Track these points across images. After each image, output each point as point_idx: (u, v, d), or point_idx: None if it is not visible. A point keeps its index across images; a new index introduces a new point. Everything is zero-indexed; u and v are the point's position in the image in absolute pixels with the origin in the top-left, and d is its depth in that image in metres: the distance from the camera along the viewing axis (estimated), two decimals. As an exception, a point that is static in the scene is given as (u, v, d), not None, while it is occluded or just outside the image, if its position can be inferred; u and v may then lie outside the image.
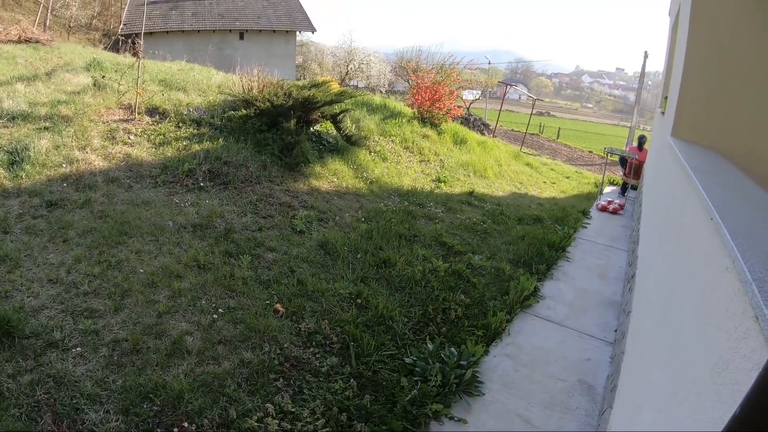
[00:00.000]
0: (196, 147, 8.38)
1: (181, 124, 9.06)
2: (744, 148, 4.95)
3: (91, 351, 4.02)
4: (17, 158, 6.98)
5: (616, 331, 5.69)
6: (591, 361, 5.08)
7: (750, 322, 1.34)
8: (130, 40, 24.67)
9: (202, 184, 7.56)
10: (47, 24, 34.23)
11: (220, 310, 4.83)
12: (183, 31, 32.92)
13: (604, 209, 11.82)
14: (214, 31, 33.83)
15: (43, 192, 6.51)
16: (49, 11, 35.07)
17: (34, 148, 7.16)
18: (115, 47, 25.64)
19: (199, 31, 33.46)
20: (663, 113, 7.72)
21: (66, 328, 4.22)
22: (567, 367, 4.93)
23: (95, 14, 44.41)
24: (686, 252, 2.66)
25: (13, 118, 7.94)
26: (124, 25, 31.63)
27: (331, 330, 4.86)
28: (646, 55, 32.57)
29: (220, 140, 8.64)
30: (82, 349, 4.03)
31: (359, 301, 5.40)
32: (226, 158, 8.14)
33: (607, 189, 15.61)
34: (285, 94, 9.50)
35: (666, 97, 7.68)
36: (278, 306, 5.06)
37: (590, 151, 39.30)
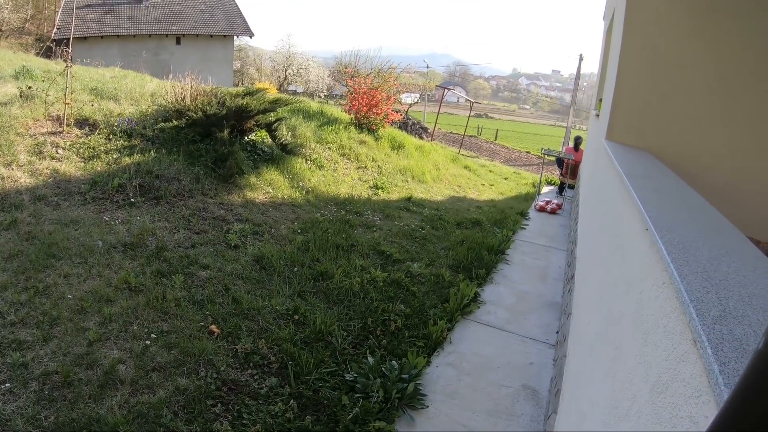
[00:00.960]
0: (127, 160, 8.02)
1: (111, 136, 8.63)
2: (675, 147, 5.09)
3: (21, 386, 3.75)
4: None
5: (557, 332, 5.71)
6: (534, 365, 5.08)
7: (688, 344, 1.29)
8: (62, 46, 23.90)
9: (132, 199, 7.23)
10: (-26, 29, 32.89)
11: (153, 335, 4.59)
12: (118, 36, 32.05)
13: (542, 209, 11.99)
14: (150, 35, 33.06)
15: None
16: (-23, 15, 33.71)
17: None
18: (48, 53, 24.77)
19: (134, 35, 32.61)
20: (598, 116, 7.84)
21: None
22: (510, 373, 4.90)
23: (28, 18, 42.78)
24: (623, 260, 2.64)
25: None
26: (57, 29, 30.53)
27: (269, 349, 4.69)
28: (581, 58, 33.50)
29: (152, 152, 8.30)
30: (11, 384, 3.75)
31: (296, 317, 5.24)
32: (158, 171, 7.83)
33: (545, 189, 15.88)
34: (218, 102, 9.23)
35: (600, 100, 7.82)
36: (213, 327, 4.85)
37: (528, 152, 40.02)
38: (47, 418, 3.52)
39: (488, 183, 17.13)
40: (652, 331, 1.68)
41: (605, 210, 4.24)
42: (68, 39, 28.21)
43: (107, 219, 6.62)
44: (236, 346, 4.66)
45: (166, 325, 4.79)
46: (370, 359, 4.69)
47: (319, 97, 43.71)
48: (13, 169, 7.13)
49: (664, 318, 1.55)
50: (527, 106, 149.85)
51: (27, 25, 43.19)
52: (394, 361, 4.68)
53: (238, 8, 38.38)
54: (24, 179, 7.03)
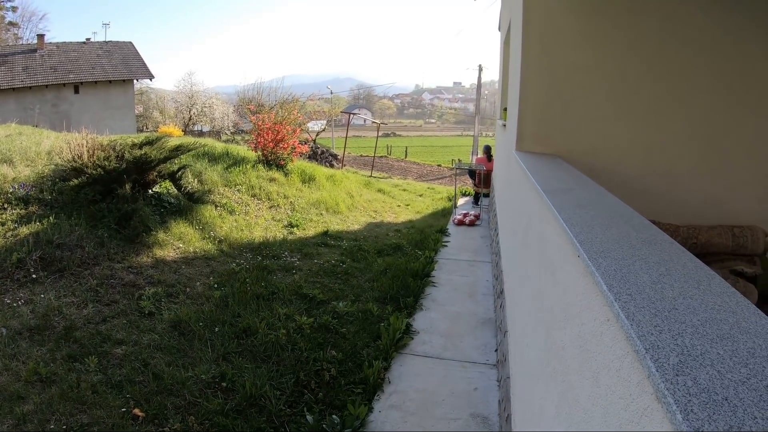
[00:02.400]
0: (25, 230, 7.45)
1: (6, 205, 8.02)
2: (583, 148, 5.20)
3: None
4: None
5: (496, 350, 5.61)
6: (479, 390, 4.94)
7: (650, 398, 1.15)
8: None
9: (35, 275, 6.65)
10: None
11: (73, 430, 4.18)
12: (14, 89, 30.69)
13: (461, 223, 12.03)
14: (47, 86, 32.00)
15: None
16: None
17: None
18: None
19: (31, 87, 31.37)
20: (504, 125, 7.90)
21: None
22: (456, 403, 4.73)
23: None
24: (556, 284, 2.52)
25: None
26: (-55, 84, 29.24)
27: (200, 426, 4.34)
28: (480, 68, 34.60)
29: (51, 219, 7.74)
30: None
31: (224, 383, 4.92)
32: (59, 240, 7.30)
33: (461, 201, 16.02)
34: (117, 156, 8.74)
35: (505, 109, 7.88)
36: (137, 411, 4.44)
37: (439, 165, 40.75)
38: None
39: (404, 203, 17.17)
40: (602, 372, 1.55)
41: (527, 225, 4.16)
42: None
43: (9, 301, 6.07)
44: (164, 429, 4.31)
45: (85, 416, 4.37)
46: (309, 418, 4.42)
47: (226, 134, 43.22)
48: None
49: (617, 361, 1.42)
50: (433, 120, 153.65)
51: None
52: (334, 416, 4.43)
53: (136, 51, 37.73)
54: None
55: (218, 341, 5.69)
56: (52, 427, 4.20)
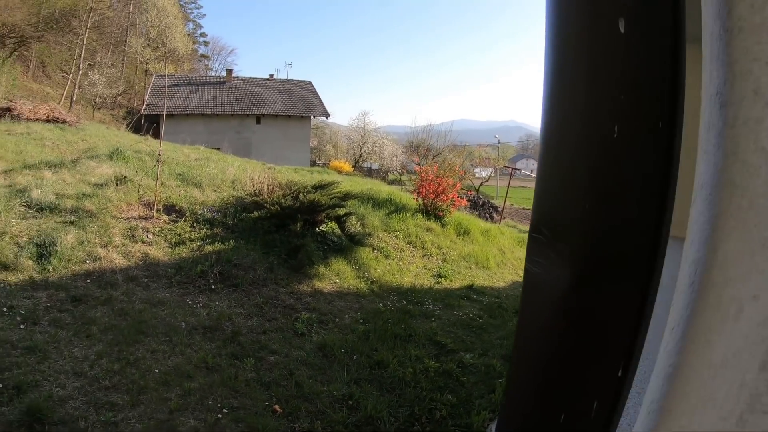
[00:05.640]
0: (209, 248, 8.87)
1: (195, 224, 9.59)
2: None
3: None
4: (45, 252, 7.52)
5: None
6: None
7: None
8: (152, 124, 25.80)
9: (213, 286, 8.01)
10: (74, 99, 36.04)
11: (224, 409, 5.14)
12: (203, 114, 34.09)
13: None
14: (232, 115, 35.12)
15: (69, 287, 7.02)
16: (77, 87, 36.84)
17: (60, 243, 7.71)
18: (138, 125, 26.73)
19: (218, 114, 34.62)
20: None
21: (89, 419, 4.60)
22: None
23: (119, 92, 46.33)
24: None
25: (42, 209, 8.59)
26: (147, 105, 32.98)
27: (323, 429, 5.13)
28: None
29: (231, 242, 9.12)
30: None
31: (351, 402, 5.65)
32: (236, 261, 8.62)
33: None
34: (293, 196, 10.02)
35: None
36: (276, 407, 5.35)
37: (602, 223, 39.31)
38: (127, 470, 4.11)
39: (555, 266, 17.06)
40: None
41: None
42: (157, 115, 30.42)
43: (190, 302, 7.41)
44: (295, 425, 5.13)
45: (236, 401, 5.34)
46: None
47: (393, 174, 44.61)
48: (109, 251, 8.10)
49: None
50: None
51: (118, 98, 46.68)
52: (436, 449, 5.02)
53: (315, 90, 40.10)
54: (118, 260, 7.97)
55: (354, 367, 6.45)
56: (210, 402, 5.24)
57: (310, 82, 41.03)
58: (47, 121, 14.51)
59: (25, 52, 38.20)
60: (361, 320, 8.02)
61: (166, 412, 4.93)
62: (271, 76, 42.01)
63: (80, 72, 37.00)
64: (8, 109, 14.30)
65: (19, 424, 4.34)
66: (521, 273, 13.76)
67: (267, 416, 5.17)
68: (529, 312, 1.66)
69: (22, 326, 5.96)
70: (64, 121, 15.08)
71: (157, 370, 5.62)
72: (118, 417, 4.72)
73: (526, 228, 27.14)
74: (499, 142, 65.59)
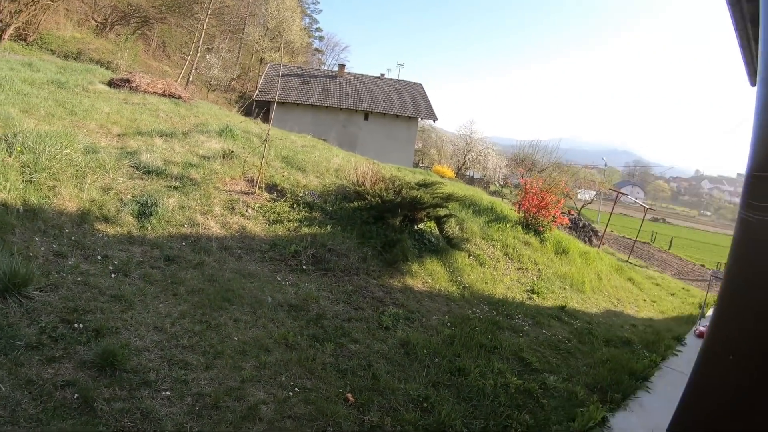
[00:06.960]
0: (305, 230, 8.95)
1: (295, 205, 9.74)
2: None
3: (177, 397, 4.45)
4: (146, 211, 7.80)
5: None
6: None
7: None
8: (262, 110, 26.51)
9: (304, 267, 8.06)
10: (190, 79, 37.60)
11: (296, 388, 5.11)
12: (312, 105, 34.87)
13: (701, 335, 11.17)
14: (341, 109, 35.77)
15: (164, 246, 7.26)
16: (194, 68, 38.48)
17: (162, 204, 7.99)
18: (248, 109, 27.44)
19: (327, 107, 35.37)
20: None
21: (161, 372, 4.69)
22: None
23: (234, 77, 48.20)
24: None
25: (149, 172, 8.91)
26: (259, 92, 34.06)
27: (392, 427, 4.99)
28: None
29: (328, 227, 9.18)
30: (170, 393, 4.47)
31: (425, 404, 5.48)
32: (331, 246, 8.65)
33: (710, 312, 14.90)
34: (395, 191, 9.94)
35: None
36: (349, 395, 5.26)
37: (702, 265, 37.53)
38: (191, 429, 4.14)
39: (651, 299, 16.43)
40: None
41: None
42: (268, 102, 31.33)
43: (279, 279, 7.46)
44: (365, 417, 5.02)
45: (309, 383, 5.29)
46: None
47: (495, 185, 44.26)
48: (208, 218, 8.33)
49: None
50: (708, 213, 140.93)
51: (233, 83, 48.52)
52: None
53: (425, 92, 40.27)
54: (215, 229, 8.16)
55: (434, 370, 6.27)
56: (283, 379, 5.21)
57: (420, 84, 41.22)
58: (163, 95, 15.06)
59: (147, 32, 40.32)
60: (448, 324, 7.83)
61: (238, 381, 4.95)
62: (383, 74, 42.65)
63: (198, 54, 38.46)
64: (128, 81, 14.91)
65: (91, 365, 4.46)
66: (615, 302, 13.41)
67: (338, 403, 5.10)
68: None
69: (113, 275, 6.16)
70: (179, 97, 15.64)
71: (236, 339, 5.66)
72: (189, 376, 4.77)
73: (625, 257, 26.36)
74: (605, 165, 63.84)
